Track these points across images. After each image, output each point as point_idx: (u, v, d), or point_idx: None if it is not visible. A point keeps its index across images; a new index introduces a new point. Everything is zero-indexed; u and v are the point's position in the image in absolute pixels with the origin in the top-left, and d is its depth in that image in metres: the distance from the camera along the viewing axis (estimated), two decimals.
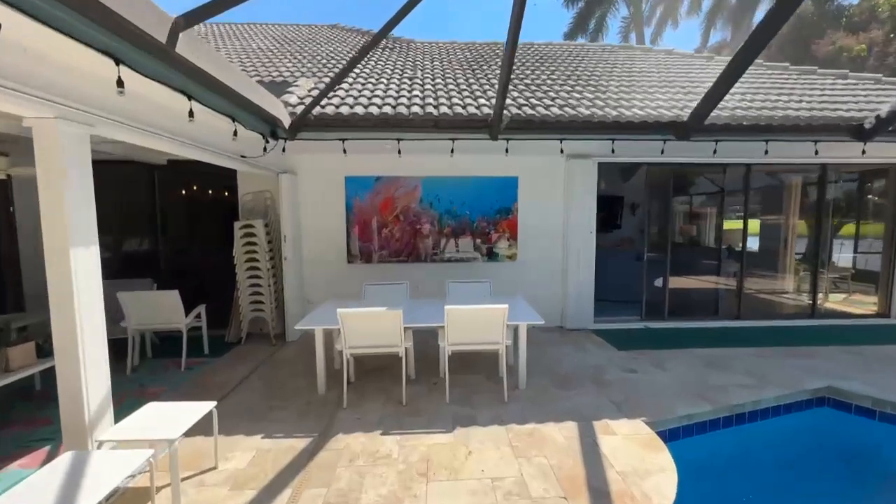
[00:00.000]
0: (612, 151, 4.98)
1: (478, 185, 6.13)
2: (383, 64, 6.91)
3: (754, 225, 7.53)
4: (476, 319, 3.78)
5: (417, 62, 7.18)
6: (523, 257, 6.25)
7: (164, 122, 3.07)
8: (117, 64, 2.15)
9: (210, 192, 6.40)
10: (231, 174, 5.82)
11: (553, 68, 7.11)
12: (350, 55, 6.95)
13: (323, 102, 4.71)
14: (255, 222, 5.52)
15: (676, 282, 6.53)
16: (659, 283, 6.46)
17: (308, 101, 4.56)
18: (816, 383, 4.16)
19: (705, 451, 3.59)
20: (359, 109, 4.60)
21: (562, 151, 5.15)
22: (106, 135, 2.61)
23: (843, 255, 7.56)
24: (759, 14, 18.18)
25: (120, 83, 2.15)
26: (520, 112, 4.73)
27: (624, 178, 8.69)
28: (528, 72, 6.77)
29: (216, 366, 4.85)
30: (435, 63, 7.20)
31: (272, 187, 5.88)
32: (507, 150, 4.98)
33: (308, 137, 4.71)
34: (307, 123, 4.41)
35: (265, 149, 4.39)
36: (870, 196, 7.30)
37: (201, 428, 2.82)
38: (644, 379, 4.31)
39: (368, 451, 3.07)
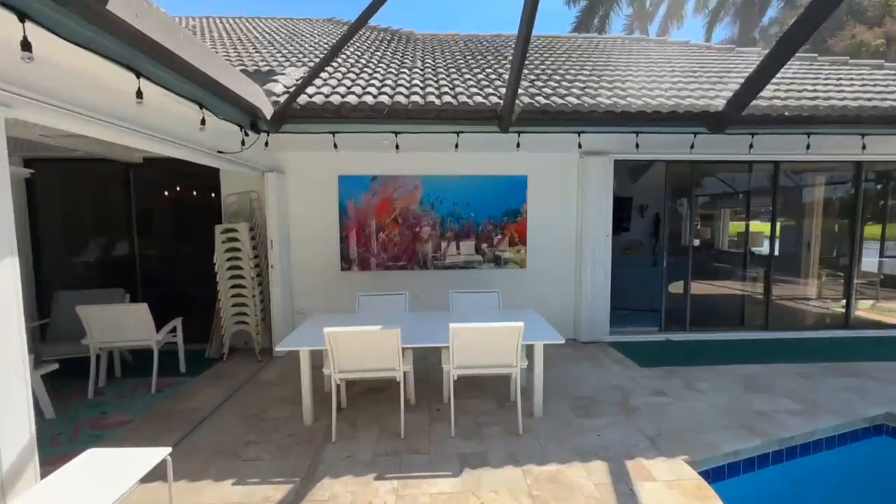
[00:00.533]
0: (637, 146, 4.45)
1: (483, 184, 5.61)
2: (380, 54, 6.38)
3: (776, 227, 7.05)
4: (486, 339, 3.25)
5: (418, 53, 6.65)
6: (533, 263, 5.72)
7: (110, 106, 2.54)
8: (21, 20, 1.63)
9: (193, 192, 5.84)
10: (214, 173, 5.30)
11: (563, 59, 6.59)
12: (348, 49, 6.39)
13: (311, 91, 4.19)
14: (239, 226, 5.00)
15: (697, 289, 6.02)
16: (673, 288, 5.95)
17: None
18: (872, 409, 3.65)
19: (755, 494, 3.08)
20: (351, 98, 4.07)
21: (580, 146, 4.62)
22: (28, 118, 2.08)
23: (866, 260, 7.06)
24: (769, 13, 17.75)
25: (26, 45, 1.63)
26: (533, 102, 4.21)
27: (632, 178, 8.18)
28: (536, 62, 6.25)
29: (193, 387, 4.32)
30: (437, 53, 6.67)
31: (258, 187, 5.36)
32: (518, 145, 4.46)
33: (294, 130, 4.19)
34: (292, 114, 3.89)
35: (243, 142, 3.86)
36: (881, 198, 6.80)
37: (160, 470, 2.27)
38: (676, 404, 3.79)
39: (359, 502, 2.54)
